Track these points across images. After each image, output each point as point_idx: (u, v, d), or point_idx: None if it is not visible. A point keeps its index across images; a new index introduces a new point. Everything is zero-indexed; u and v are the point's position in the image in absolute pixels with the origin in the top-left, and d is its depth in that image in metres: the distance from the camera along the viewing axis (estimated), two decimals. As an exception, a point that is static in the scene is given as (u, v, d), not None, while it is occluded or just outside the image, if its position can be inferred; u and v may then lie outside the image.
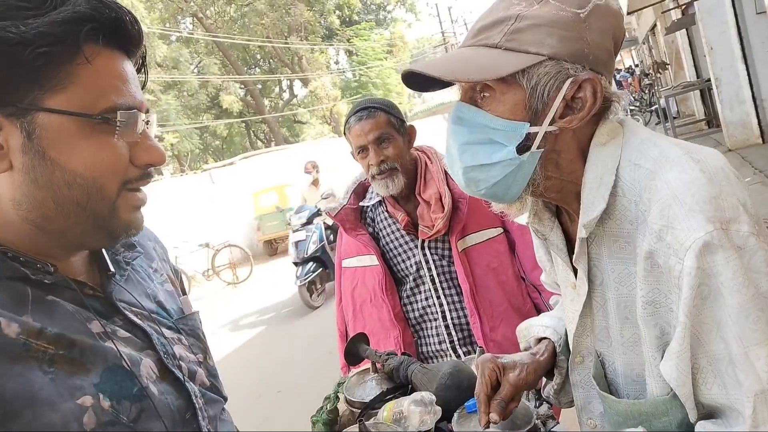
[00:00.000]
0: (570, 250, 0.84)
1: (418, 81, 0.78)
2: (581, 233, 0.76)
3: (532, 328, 1.02)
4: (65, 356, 0.59)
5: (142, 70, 0.69)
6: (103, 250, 0.73)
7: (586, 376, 0.88)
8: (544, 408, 1.08)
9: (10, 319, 0.57)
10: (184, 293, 0.88)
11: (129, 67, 0.64)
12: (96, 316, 0.64)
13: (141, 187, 0.67)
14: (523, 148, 0.73)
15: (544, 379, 1.05)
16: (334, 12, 26.66)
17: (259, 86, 25.89)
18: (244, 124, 25.19)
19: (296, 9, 23.24)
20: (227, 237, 11.43)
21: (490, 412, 0.86)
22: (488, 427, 0.86)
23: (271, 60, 26.64)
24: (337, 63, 29.27)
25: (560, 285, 0.93)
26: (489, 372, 0.90)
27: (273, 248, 13.34)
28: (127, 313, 0.69)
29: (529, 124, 0.72)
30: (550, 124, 0.73)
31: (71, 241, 0.64)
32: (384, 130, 1.52)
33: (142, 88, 0.70)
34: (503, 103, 0.73)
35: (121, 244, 0.76)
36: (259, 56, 26.81)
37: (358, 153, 1.56)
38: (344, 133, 1.60)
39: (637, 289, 0.72)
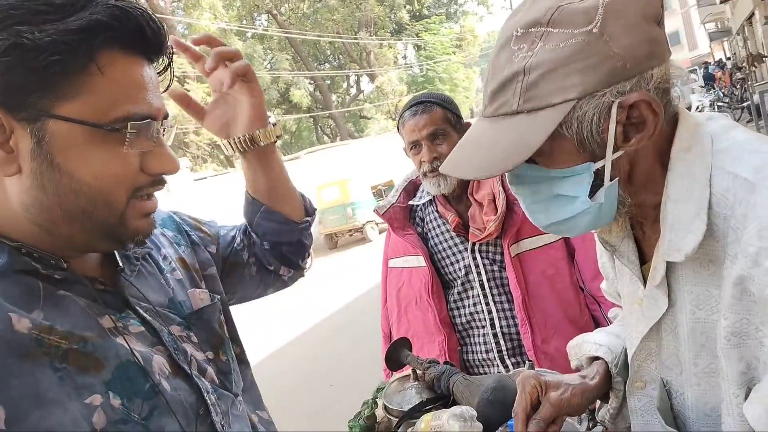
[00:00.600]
0: (641, 263, 0.75)
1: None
2: (673, 257, 0.65)
3: (584, 345, 0.93)
4: (78, 351, 0.59)
5: (167, 72, 0.68)
6: None
7: (647, 403, 0.79)
8: (598, 429, 0.99)
9: (21, 314, 0.56)
10: (200, 276, 0.86)
11: (148, 72, 0.63)
12: (108, 311, 0.64)
13: (151, 195, 0.66)
14: (595, 187, 0.65)
15: (598, 402, 0.95)
16: (405, 6, 26.66)
17: (328, 82, 26.45)
18: (312, 119, 25.84)
19: (367, 4, 23.47)
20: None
21: (527, 431, 0.78)
22: None
23: (340, 56, 27.12)
24: (405, 58, 29.28)
25: (623, 299, 0.83)
26: (530, 389, 0.82)
27: (333, 242, 13.62)
28: (138, 309, 0.69)
29: (592, 162, 0.64)
30: (615, 151, 0.64)
31: (79, 246, 0.64)
32: (439, 126, 1.45)
33: (167, 89, 0.69)
34: (554, 157, 0.65)
35: None
36: (329, 52, 27.38)
37: (411, 149, 1.49)
38: (397, 128, 1.55)
39: (720, 317, 0.63)
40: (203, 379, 0.72)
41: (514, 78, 0.62)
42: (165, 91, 0.70)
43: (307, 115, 24.07)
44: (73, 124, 0.57)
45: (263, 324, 7.36)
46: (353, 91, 28.68)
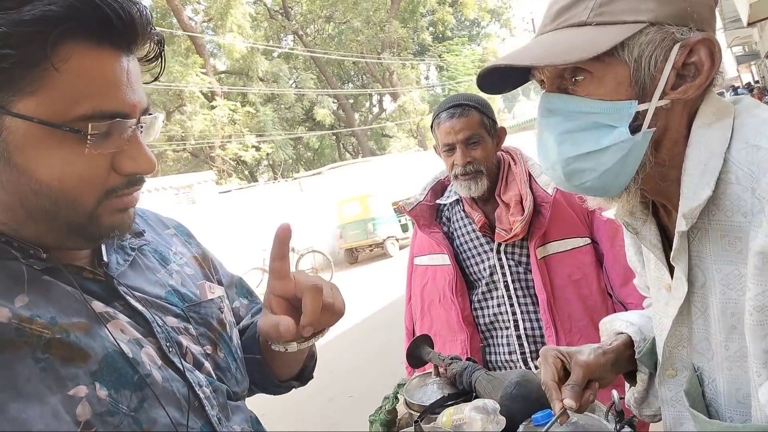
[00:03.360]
0: (665, 247, 0.74)
1: (491, 81, 0.71)
2: (681, 226, 0.65)
3: (615, 322, 0.91)
4: (62, 341, 0.56)
5: (158, 62, 0.62)
6: None
7: (679, 393, 0.76)
8: (627, 430, 0.96)
9: (0, 303, 0.54)
10: (213, 275, 0.84)
11: (122, 65, 0.57)
12: (94, 299, 0.61)
13: (133, 192, 0.62)
14: (633, 128, 0.64)
15: (626, 393, 0.93)
16: (428, 29, 26.99)
17: (351, 100, 26.78)
18: (334, 137, 26.12)
19: (390, 26, 23.83)
20: (311, 243, 11.85)
21: (563, 398, 0.76)
22: (565, 415, 0.75)
23: (363, 76, 27.50)
24: (427, 78, 29.52)
25: (651, 288, 0.82)
26: (553, 359, 0.81)
27: (354, 256, 13.61)
28: (128, 298, 0.65)
29: (636, 101, 0.64)
30: (661, 97, 0.64)
31: (54, 240, 0.60)
32: (475, 131, 1.46)
33: (157, 78, 0.64)
34: (604, 84, 0.64)
35: None
36: (352, 72, 27.80)
37: (444, 150, 1.50)
38: (431, 127, 1.56)
39: (746, 292, 0.61)
40: (197, 372, 0.68)
41: None
42: (155, 80, 0.65)
43: (330, 132, 24.37)
44: (30, 122, 0.52)
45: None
46: (376, 109, 28.98)
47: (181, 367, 0.66)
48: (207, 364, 0.71)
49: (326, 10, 24.87)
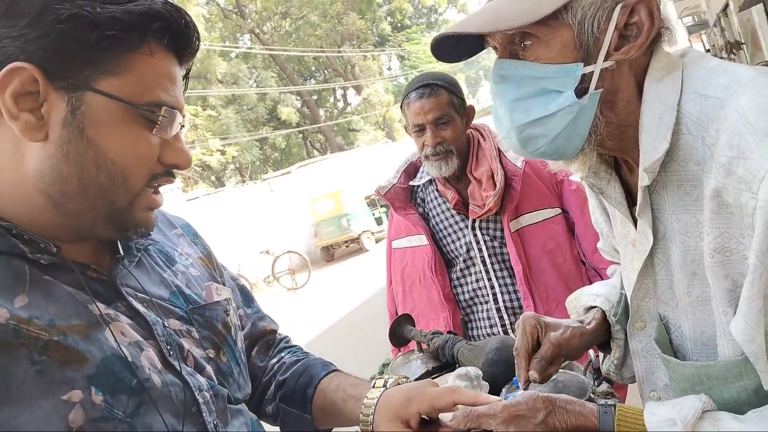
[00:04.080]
0: (629, 204, 0.76)
1: (447, 50, 0.72)
2: (643, 181, 0.68)
3: (581, 298, 0.94)
4: (60, 343, 0.56)
5: (185, 83, 0.71)
6: None
7: (648, 344, 0.79)
8: (604, 386, 1.00)
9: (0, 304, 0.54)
10: (219, 276, 0.85)
11: (179, 72, 0.66)
12: (95, 300, 0.62)
13: (160, 191, 0.68)
14: (580, 91, 0.66)
15: (601, 354, 0.96)
16: (386, 18, 26.94)
17: (315, 97, 26.56)
18: (301, 135, 25.90)
19: (348, 18, 23.68)
20: (286, 244, 11.75)
21: (529, 369, 0.79)
22: (527, 386, 0.79)
23: (325, 70, 27.29)
24: (389, 69, 29.52)
25: (619, 246, 0.85)
26: (530, 329, 0.83)
27: (330, 254, 13.57)
28: (130, 299, 0.66)
29: (582, 63, 0.65)
30: (606, 59, 0.65)
31: (81, 226, 0.63)
32: (444, 111, 1.46)
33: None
34: (550, 47, 0.66)
35: None
36: (313, 67, 27.55)
37: (414, 131, 1.51)
38: (401, 107, 1.56)
39: (704, 237, 0.64)
40: (197, 376, 0.68)
41: None
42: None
43: (296, 130, 24.14)
44: (110, 99, 0.59)
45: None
46: (340, 104, 28.83)
47: (181, 371, 0.66)
48: (209, 368, 0.71)
49: (281, 6, 24.51)
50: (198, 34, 0.67)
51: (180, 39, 0.64)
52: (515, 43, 0.69)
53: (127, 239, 0.69)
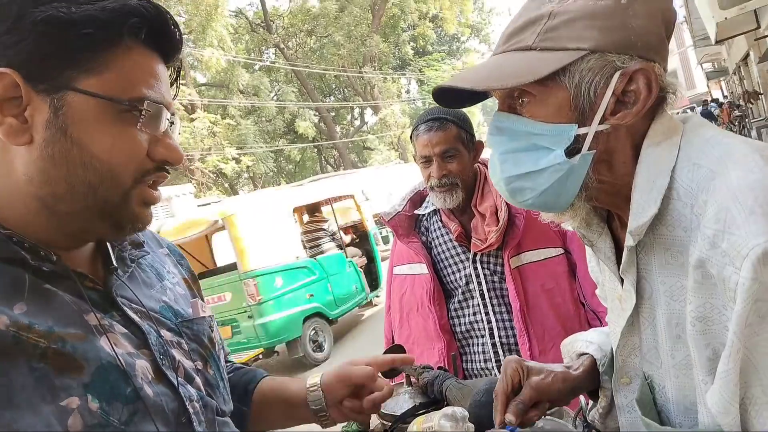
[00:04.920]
0: (619, 260, 0.76)
1: (450, 97, 0.74)
2: (629, 241, 0.68)
3: (576, 343, 0.94)
4: (57, 351, 0.56)
5: (176, 84, 0.71)
6: (108, 244, 0.71)
7: (633, 400, 0.78)
8: (592, 437, 0.98)
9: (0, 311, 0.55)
10: (201, 299, 0.85)
11: (163, 69, 0.66)
12: (93, 309, 0.62)
13: (155, 186, 0.67)
14: (572, 151, 0.66)
15: (590, 402, 0.95)
16: (409, 43, 27.34)
17: (332, 113, 26.88)
18: (316, 150, 26.13)
19: (372, 40, 24.07)
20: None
21: (506, 412, 0.78)
22: (503, 427, 0.78)
23: (345, 89, 27.66)
24: (407, 92, 29.84)
25: (608, 299, 0.85)
26: (512, 372, 0.82)
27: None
28: (125, 309, 0.67)
29: (576, 125, 0.66)
30: (601, 122, 0.66)
31: (77, 226, 0.63)
32: (452, 145, 1.48)
33: (173, 98, 0.71)
34: (545, 106, 0.67)
35: (129, 241, 0.75)
36: (333, 85, 27.95)
37: (421, 162, 1.53)
38: (411, 137, 1.59)
39: (687, 304, 0.63)
40: (189, 386, 0.69)
41: (537, 20, 0.66)
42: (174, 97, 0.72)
43: (312, 144, 24.37)
44: (91, 98, 0.59)
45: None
46: (357, 122, 29.13)
47: (174, 382, 0.66)
48: (198, 380, 0.72)
49: (308, 24, 25.02)
50: (180, 31, 0.66)
51: (160, 35, 0.64)
52: (513, 98, 0.70)
53: (125, 237, 0.70)
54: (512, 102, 0.70)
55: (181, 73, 0.72)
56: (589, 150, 0.66)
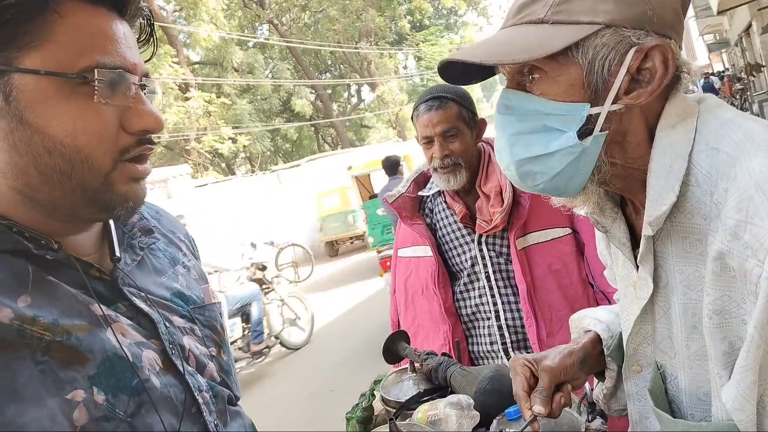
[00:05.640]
0: (633, 245, 0.74)
1: (456, 73, 0.70)
2: (647, 231, 0.66)
3: (584, 320, 0.92)
4: (62, 343, 0.55)
5: (151, 40, 0.65)
6: (113, 232, 0.68)
7: (644, 388, 0.77)
8: (597, 423, 0.98)
9: (2, 303, 0.53)
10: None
11: (119, 26, 0.59)
12: (98, 300, 0.60)
13: (143, 159, 0.62)
14: (584, 132, 0.63)
15: (596, 384, 0.94)
16: (405, 17, 26.83)
17: (329, 91, 26.55)
18: (313, 128, 25.90)
19: (367, 14, 23.62)
20: (292, 236, 11.74)
21: (532, 405, 0.76)
22: (535, 420, 0.76)
23: (341, 66, 27.27)
24: (405, 68, 29.43)
25: (619, 284, 0.83)
26: (521, 368, 0.81)
27: (334, 249, 13.57)
28: (133, 298, 0.65)
29: (589, 104, 0.63)
30: (614, 102, 0.63)
31: (65, 213, 0.60)
32: (453, 124, 1.45)
33: (149, 59, 0.65)
34: (557, 84, 0.63)
35: (138, 228, 0.73)
36: (329, 62, 27.54)
37: (423, 143, 1.50)
38: (411, 118, 1.55)
39: (704, 295, 0.62)
40: (198, 376, 0.68)
41: None
42: (148, 60, 0.66)
43: (308, 123, 24.14)
44: (39, 76, 0.53)
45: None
46: (354, 100, 28.81)
47: (182, 371, 0.65)
48: (211, 366, 0.71)
49: (301, -1, 24.52)
50: None
51: None
52: (523, 75, 0.67)
53: (119, 217, 0.66)
54: (522, 78, 0.67)
55: (155, 26, 0.65)
56: (601, 131, 0.64)
